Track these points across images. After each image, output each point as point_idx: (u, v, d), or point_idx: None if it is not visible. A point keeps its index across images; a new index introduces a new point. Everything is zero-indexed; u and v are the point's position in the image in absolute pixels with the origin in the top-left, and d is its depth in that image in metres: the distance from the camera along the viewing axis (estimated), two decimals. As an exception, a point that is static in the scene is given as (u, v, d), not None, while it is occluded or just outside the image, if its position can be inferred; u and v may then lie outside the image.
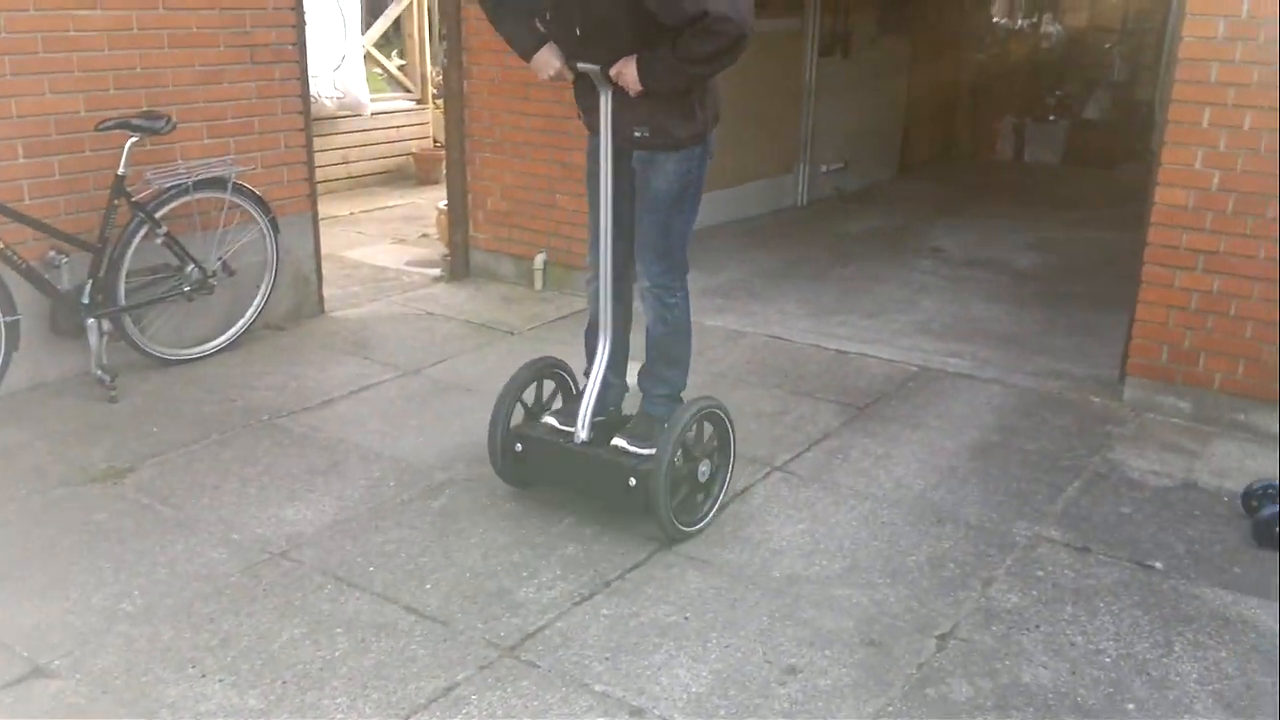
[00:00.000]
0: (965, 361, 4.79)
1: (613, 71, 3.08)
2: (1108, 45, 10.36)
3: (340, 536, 3.27)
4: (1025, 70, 10.17)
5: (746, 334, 5.13)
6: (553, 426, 3.44)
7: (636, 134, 3.18)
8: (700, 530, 3.33)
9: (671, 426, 3.20)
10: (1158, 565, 3.21)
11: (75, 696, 2.54)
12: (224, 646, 2.74)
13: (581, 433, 3.33)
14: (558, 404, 3.61)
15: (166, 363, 4.54)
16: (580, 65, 3.14)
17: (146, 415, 4.10)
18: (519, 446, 3.44)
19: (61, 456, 3.74)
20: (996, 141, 9.92)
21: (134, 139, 4.23)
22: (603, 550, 3.23)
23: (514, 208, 5.83)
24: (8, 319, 3.93)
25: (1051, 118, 9.82)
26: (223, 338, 4.75)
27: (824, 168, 7.95)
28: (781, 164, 7.66)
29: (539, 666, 2.70)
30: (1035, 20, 10.88)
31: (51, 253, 4.21)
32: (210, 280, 4.58)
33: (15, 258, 4.03)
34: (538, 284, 5.76)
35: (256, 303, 4.88)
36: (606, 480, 3.31)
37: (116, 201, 4.27)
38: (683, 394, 3.51)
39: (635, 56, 3.03)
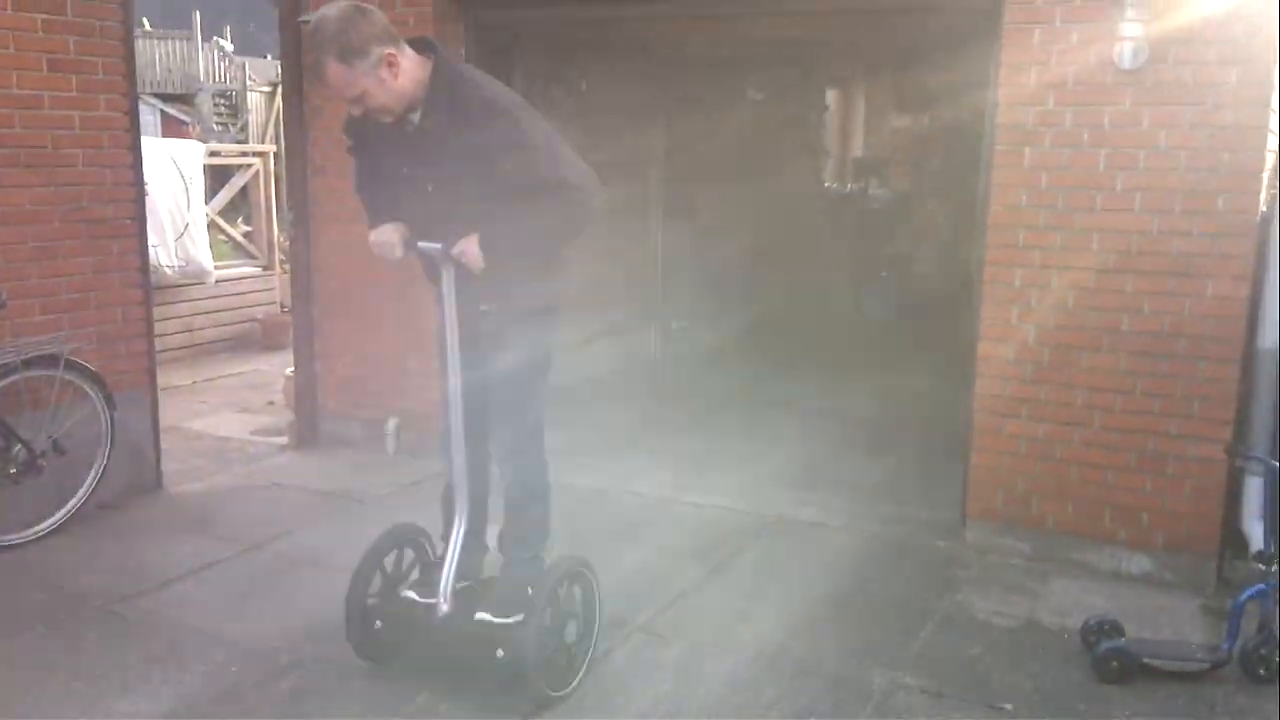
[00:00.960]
0: (817, 510, 4.91)
1: (455, 251, 3.03)
2: (930, 206, 11.14)
3: (176, 731, 3.07)
4: (856, 231, 10.81)
5: (607, 490, 5.14)
6: (412, 600, 3.32)
7: (483, 308, 3.16)
8: (571, 693, 3.26)
9: (540, 589, 3.14)
10: (1008, 707, 3.29)
11: None
12: None
13: (444, 605, 3.20)
14: (416, 574, 3.50)
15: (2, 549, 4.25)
16: (421, 245, 3.12)
17: (-36, 609, 3.80)
18: (378, 624, 3.32)
19: None
20: (834, 299, 10.42)
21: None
22: (461, 727, 3.12)
23: (365, 373, 5.78)
24: None
25: (884, 274, 10.41)
26: (52, 519, 4.47)
27: (675, 324, 8.19)
28: (635, 321, 7.86)
29: None
30: (863, 185, 11.66)
31: None
32: (39, 460, 4.35)
33: None
34: (390, 448, 5.67)
35: (89, 482, 4.62)
36: (473, 653, 3.21)
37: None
38: (544, 552, 3.46)
39: (477, 234, 3.00)
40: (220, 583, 4.08)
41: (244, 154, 9.11)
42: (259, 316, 8.69)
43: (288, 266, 8.79)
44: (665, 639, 3.67)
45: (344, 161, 5.56)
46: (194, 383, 7.32)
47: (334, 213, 5.70)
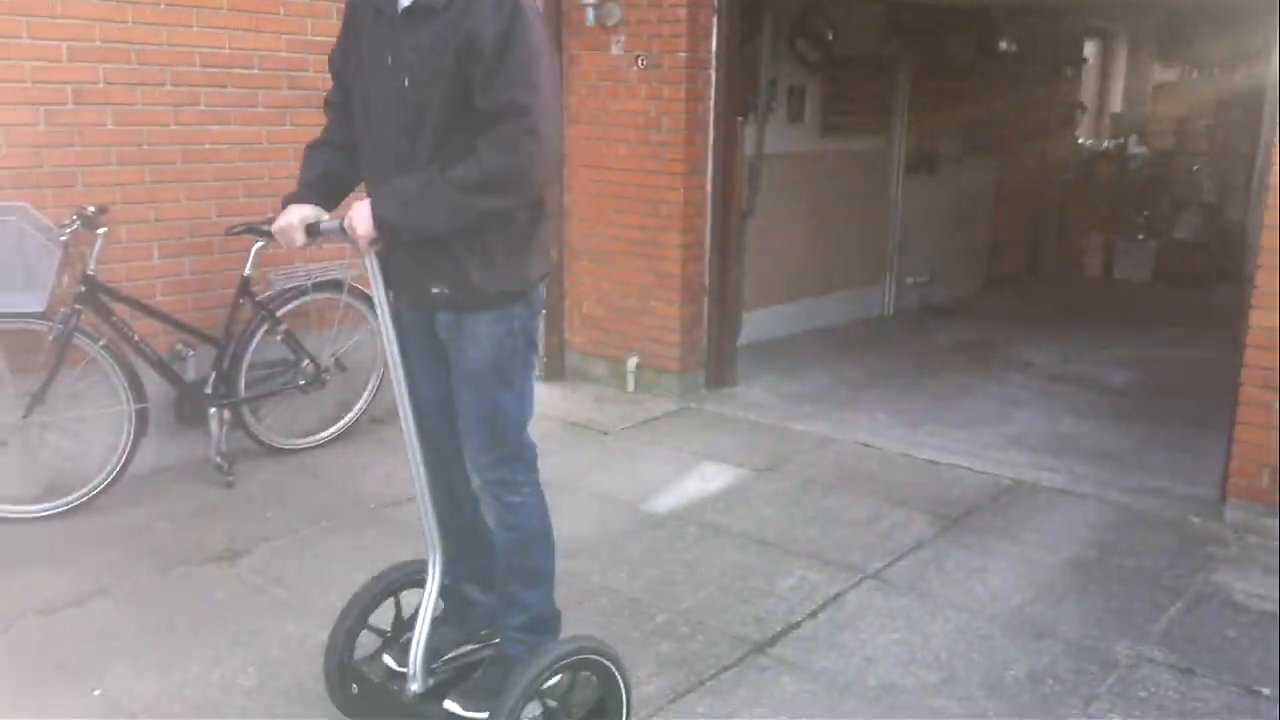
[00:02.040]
0: (1060, 476, 4.77)
1: (345, 223, 2.37)
2: (1195, 167, 10.38)
3: (443, 625, 3.36)
4: (1112, 190, 10.22)
5: (835, 441, 5.18)
6: (389, 669, 2.72)
7: (434, 290, 2.46)
8: None
9: (517, 678, 2.44)
10: (1265, 692, 3.14)
11: (195, 767, 2.65)
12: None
13: (413, 684, 2.58)
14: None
15: (280, 451, 4.76)
16: (323, 226, 2.47)
17: (261, 501, 4.28)
18: (355, 688, 2.76)
19: (182, 537, 3.93)
20: (1083, 260, 9.93)
21: (260, 244, 4.51)
22: (696, 650, 3.26)
23: (609, 313, 6.02)
24: (137, 406, 4.17)
25: (1140, 237, 9.82)
26: (332, 429, 4.97)
27: (910, 280, 8.06)
28: (867, 275, 7.79)
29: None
30: (1121, 142, 10.98)
31: (179, 345, 4.47)
32: (323, 375, 4.81)
33: (147, 350, 4.29)
34: (629, 386, 5.90)
35: (365, 397, 5.10)
36: None
37: (241, 300, 4.54)
38: (551, 620, 2.71)
39: (368, 201, 2.36)
40: (477, 498, 4.41)
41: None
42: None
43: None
44: (898, 589, 3.70)
45: (597, 110, 5.85)
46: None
47: (587, 159, 5.94)
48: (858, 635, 3.38)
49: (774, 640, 3.32)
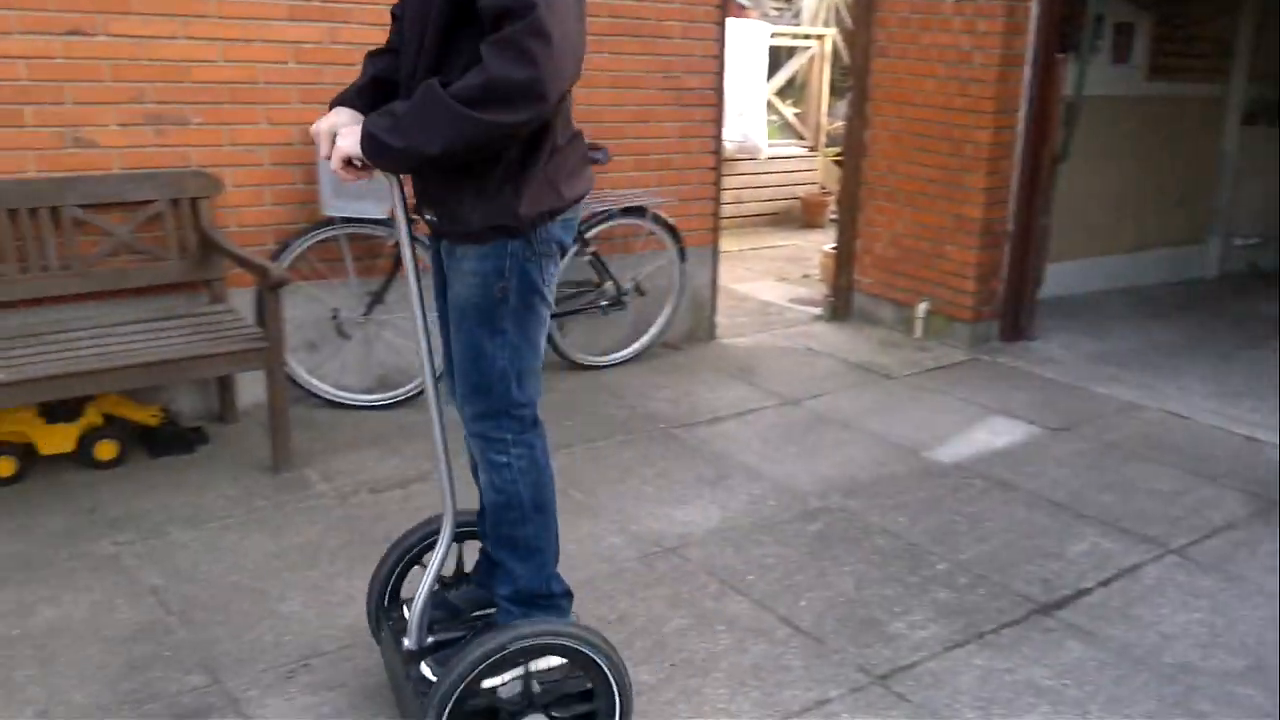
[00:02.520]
0: (1406, 469, 4.27)
1: (333, 148, 2.16)
2: None
3: (723, 543, 3.49)
4: None
5: (1140, 407, 4.87)
6: (402, 619, 2.52)
7: (428, 217, 2.28)
8: None
9: (470, 649, 2.22)
10: None
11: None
12: (621, 622, 3.02)
13: (409, 639, 2.41)
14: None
15: (580, 367, 5.04)
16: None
17: (562, 410, 4.56)
18: (384, 630, 2.62)
19: (489, 436, 4.27)
20: None
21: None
22: (976, 602, 3.22)
23: (901, 255, 5.90)
24: (459, 312, 4.54)
25: None
26: (628, 350, 5.20)
27: (1238, 241, 7.36)
28: (1188, 234, 7.18)
29: (910, 701, 2.74)
30: None
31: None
32: (624, 298, 5.03)
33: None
34: (917, 331, 5.78)
35: (660, 323, 5.29)
36: (411, 714, 2.35)
37: (552, 220, 4.81)
38: (543, 597, 2.44)
39: (360, 123, 2.12)
40: (759, 427, 4.50)
41: (804, 37, 9.43)
42: (800, 195, 9.10)
43: (829, 150, 9.11)
44: (1203, 567, 3.47)
45: (906, 43, 5.68)
46: (740, 250, 7.90)
47: (891, 94, 5.80)
48: (1155, 610, 3.21)
49: (1061, 604, 3.21)
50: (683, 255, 5.21)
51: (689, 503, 3.77)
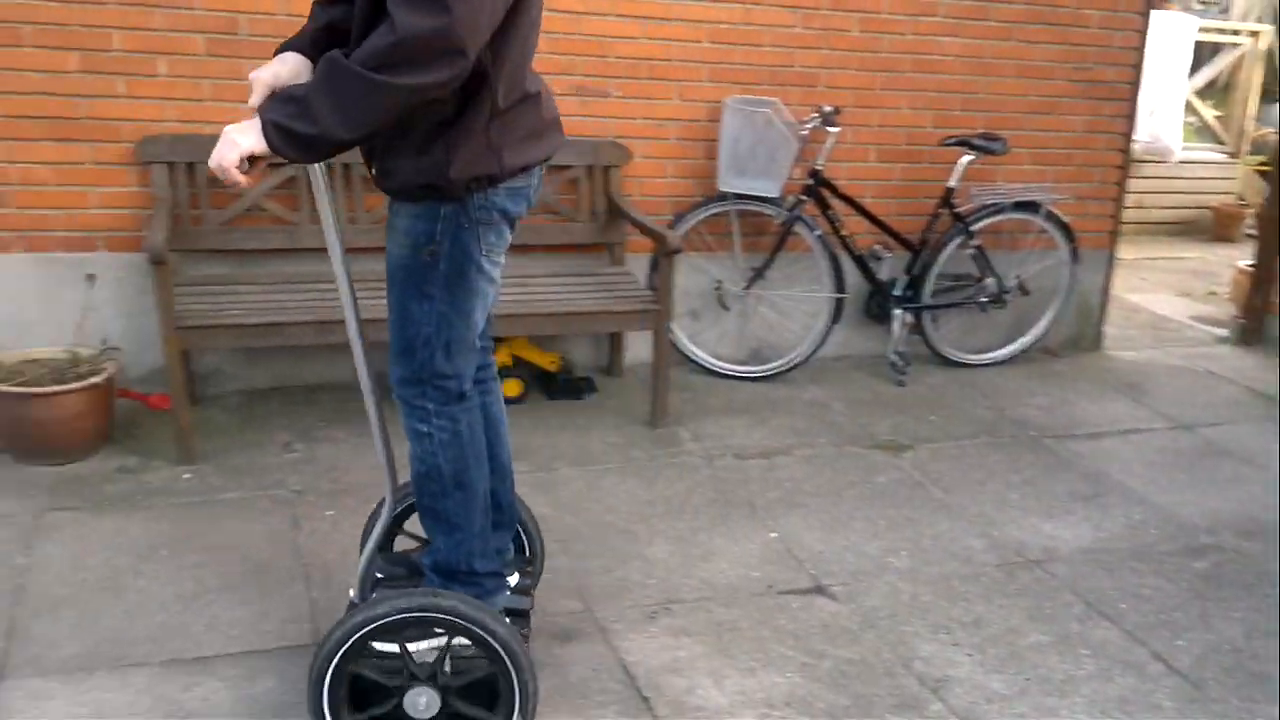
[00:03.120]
0: None
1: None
2: None
3: (1094, 564, 3.31)
4: None
5: None
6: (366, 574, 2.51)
7: (373, 170, 2.18)
8: None
9: (355, 612, 2.18)
10: None
11: (847, 621, 2.95)
12: (976, 626, 2.96)
13: (353, 591, 2.38)
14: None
15: (949, 363, 4.94)
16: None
17: (927, 404, 4.51)
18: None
19: (854, 420, 4.30)
20: None
21: (969, 157, 4.63)
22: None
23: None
24: (837, 296, 4.59)
25: None
26: (1002, 351, 5.03)
27: None
28: None
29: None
30: None
31: (877, 246, 4.79)
32: (1005, 296, 4.85)
33: (851, 246, 4.67)
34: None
35: (1042, 325, 5.06)
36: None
37: (941, 211, 4.73)
38: (461, 574, 2.36)
39: (264, 108, 1.94)
40: (1145, 449, 4.19)
41: (1234, 33, 8.53)
42: (1213, 205, 8.28)
43: (1254, 158, 8.21)
44: None
45: None
46: (1135, 259, 7.34)
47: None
48: None
49: None
50: (1075, 257, 4.94)
51: (1057, 517, 3.60)
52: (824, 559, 3.25)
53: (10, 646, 2.58)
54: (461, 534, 2.32)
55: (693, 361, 4.66)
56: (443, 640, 2.21)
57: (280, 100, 1.91)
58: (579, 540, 3.27)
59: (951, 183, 4.68)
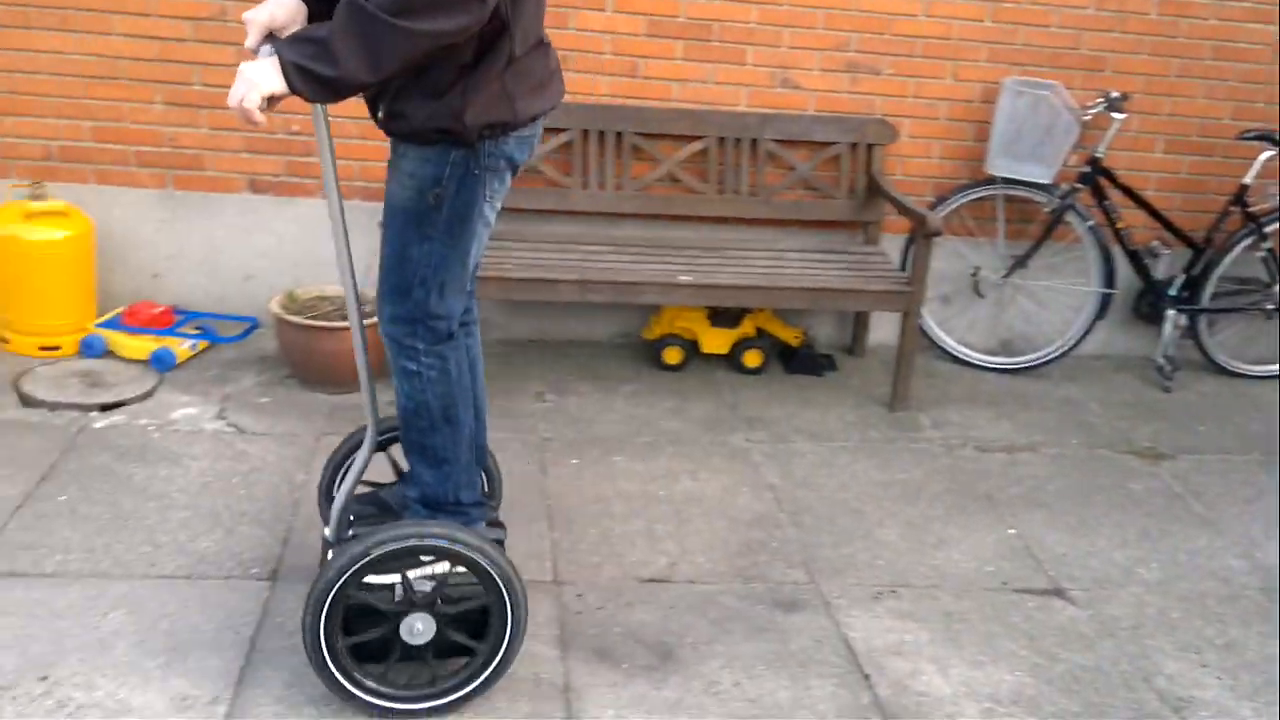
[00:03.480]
0: None
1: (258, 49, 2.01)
2: None
3: (1375, 604, 3.03)
4: None
5: None
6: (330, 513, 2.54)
7: (380, 114, 2.17)
8: (420, 712, 2.31)
9: (352, 544, 2.21)
10: None
11: (1085, 627, 2.83)
12: (1229, 649, 2.77)
13: (329, 530, 2.41)
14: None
15: (1224, 371, 4.59)
16: (260, 50, 2.02)
17: (1194, 413, 4.22)
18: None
19: (1110, 423, 4.08)
20: None
21: (1270, 153, 4.26)
22: None
23: None
24: (1104, 291, 4.36)
25: None
26: (1291, 363, 4.63)
27: None
28: None
29: None
30: None
31: (1155, 242, 4.49)
32: (1297, 306, 4.46)
33: (1125, 239, 4.41)
34: None
35: (1340, 341, 4.62)
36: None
37: (1232, 209, 4.38)
38: (449, 505, 2.42)
39: (283, 45, 1.94)
40: None
41: None
42: None
43: None
44: None
45: None
46: None
47: None
48: None
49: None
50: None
51: (1332, 548, 3.31)
52: (1065, 561, 3.13)
53: (287, 554, 2.87)
54: (449, 467, 2.40)
55: (939, 347, 4.55)
56: (443, 568, 2.27)
57: (299, 41, 1.92)
58: (808, 513, 3.29)
59: (1247, 179, 4.33)
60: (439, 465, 2.39)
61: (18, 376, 3.65)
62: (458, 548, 2.22)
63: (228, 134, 4.06)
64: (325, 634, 2.20)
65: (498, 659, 2.32)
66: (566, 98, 3.98)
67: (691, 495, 3.35)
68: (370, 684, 2.27)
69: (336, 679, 2.24)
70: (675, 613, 2.76)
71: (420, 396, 2.32)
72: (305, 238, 4.19)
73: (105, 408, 3.53)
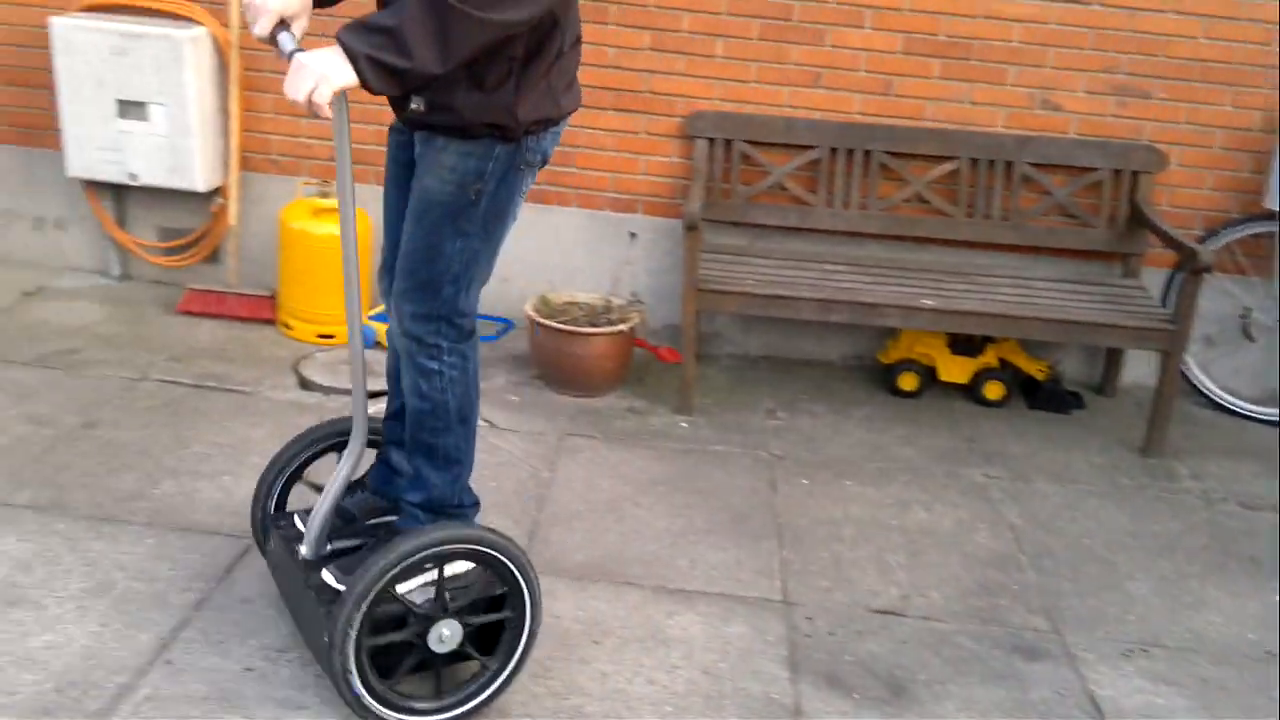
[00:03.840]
0: None
1: (293, 55, 1.93)
2: None
3: None
4: None
5: None
6: (291, 527, 2.45)
7: (413, 105, 2.07)
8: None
9: (380, 554, 2.11)
10: None
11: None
12: None
13: (307, 548, 2.31)
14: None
15: None
16: (280, 38, 1.97)
17: None
18: (269, 542, 2.51)
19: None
20: None
21: None
22: None
23: None
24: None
25: None
26: None
27: None
28: None
29: None
30: None
31: None
32: None
33: None
34: None
35: None
36: (310, 622, 2.30)
37: None
38: (454, 507, 2.37)
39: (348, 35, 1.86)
40: None
41: None
42: None
43: None
44: None
45: None
46: None
47: None
48: None
49: None
50: None
51: None
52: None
53: (531, 546, 3.00)
54: (459, 468, 2.36)
55: (1200, 392, 4.25)
56: (463, 568, 2.26)
57: (366, 30, 1.86)
58: (1050, 558, 3.16)
59: None
60: (448, 467, 2.34)
61: (298, 361, 3.97)
62: (487, 549, 2.21)
63: (493, 143, 4.27)
64: (356, 648, 2.11)
65: (516, 659, 2.31)
66: (816, 115, 4.08)
67: (925, 527, 3.28)
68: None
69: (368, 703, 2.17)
70: (908, 647, 2.71)
71: (439, 396, 2.27)
72: (559, 245, 4.35)
73: (372, 395, 3.78)
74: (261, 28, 1.96)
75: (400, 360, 2.31)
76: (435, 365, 2.24)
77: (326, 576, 2.26)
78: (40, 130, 4.37)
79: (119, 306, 4.26)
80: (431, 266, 2.17)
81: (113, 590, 2.61)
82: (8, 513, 2.88)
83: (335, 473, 2.30)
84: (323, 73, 1.85)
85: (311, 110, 1.88)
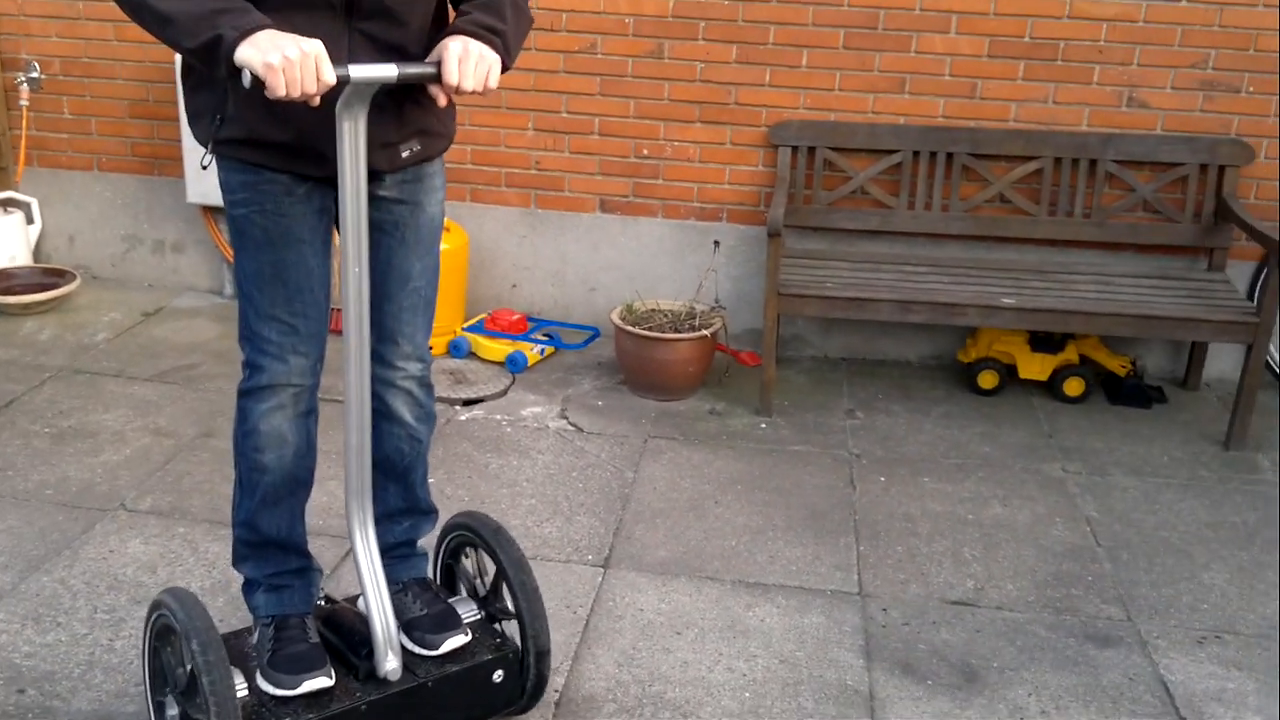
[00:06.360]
0: None
1: (447, 74, 1.80)
2: None
3: None
4: None
5: None
6: (312, 692, 2.05)
7: (405, 154, 2.01)
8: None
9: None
10: None
11: None
12: None
13: (388, 662, 2.10)
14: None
15: None
16: (356, 74, 1.76)
17: None
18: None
19: None
20: None
21: None
22: None
23: None
24: None
25: None
26: None
27: None
28: None
29: None
30: None
31: None
32: None
33: None
34: None
35: None
36: (458, 699, 2.22)
37: None
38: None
39: (465, 27, 1.86)
40: None
41: None
42: None
43: None
44: None
45: None
46: None
47: None
48: None
49: None
50: None
51: None
52: None
53: (616, 543, 3.17)
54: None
55: (1285, 383, 4.22)
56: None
57: (489, 31, 1.86)
58: (1127, 549, 3.21)
59: None
60: (425, 478, 2.39)
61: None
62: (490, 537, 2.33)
63: (586, 158, 4.46)
64: None
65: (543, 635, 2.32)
66: (900, 120, 4.18)
67: (1001, 521, 3.35)
68: None
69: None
70: (981, 636, 2.80)
71: (429, 433, 2.30)
72: (644, 254, 4.53)
73: (468, 403, 4.02)
74: (328, 75, 1.71)
75: (400, 407, 2.23)
76: (431, 405, 2.29)
77: (455, 641, 2.21)
78: (165, 160, 4.74)
79: (232, 324, 4.54)
80: (435, 291, 2.20)
81: (229, 589, 2.84)
82: (133, 518, 3.17)
83: (362, 548, 2.13)
84: (491, 60, 1.84)
85: (486, 90, 1.85)
